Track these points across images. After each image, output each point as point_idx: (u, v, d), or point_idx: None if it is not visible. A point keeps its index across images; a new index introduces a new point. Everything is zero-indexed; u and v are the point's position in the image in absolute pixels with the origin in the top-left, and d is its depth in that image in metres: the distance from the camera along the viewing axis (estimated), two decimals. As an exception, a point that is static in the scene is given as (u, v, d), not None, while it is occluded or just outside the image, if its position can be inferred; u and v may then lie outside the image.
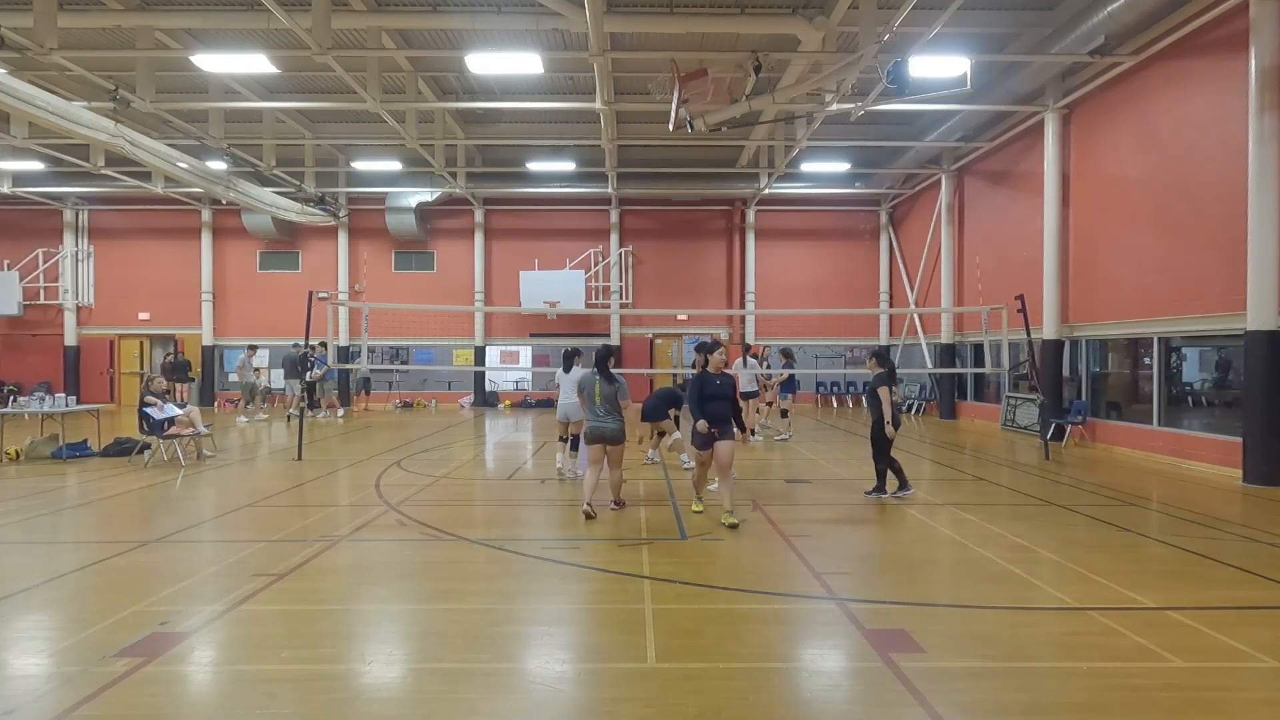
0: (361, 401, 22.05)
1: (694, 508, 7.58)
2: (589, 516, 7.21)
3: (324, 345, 19.47)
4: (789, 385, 14.68)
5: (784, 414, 14.44)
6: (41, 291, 23.36)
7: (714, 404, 7.06)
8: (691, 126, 11.75)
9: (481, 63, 12.89)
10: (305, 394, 13.53)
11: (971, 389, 18.69)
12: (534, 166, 20.09)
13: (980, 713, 3.41)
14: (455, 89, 16.51)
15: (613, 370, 7.54)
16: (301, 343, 17.38)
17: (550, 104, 16.33)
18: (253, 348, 19.18)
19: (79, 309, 23.46)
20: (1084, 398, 13.69)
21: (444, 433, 15.63)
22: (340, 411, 19.77)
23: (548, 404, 22.67)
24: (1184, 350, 11.80)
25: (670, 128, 11.89)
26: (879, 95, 12.56)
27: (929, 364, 19.70)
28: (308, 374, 17.86)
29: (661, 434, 10.46)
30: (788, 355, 14.98)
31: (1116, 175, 12.65)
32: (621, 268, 23.41)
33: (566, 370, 9.20)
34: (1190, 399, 11.80)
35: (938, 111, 15.94)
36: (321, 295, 14.39)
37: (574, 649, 4.17)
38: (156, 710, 3.44)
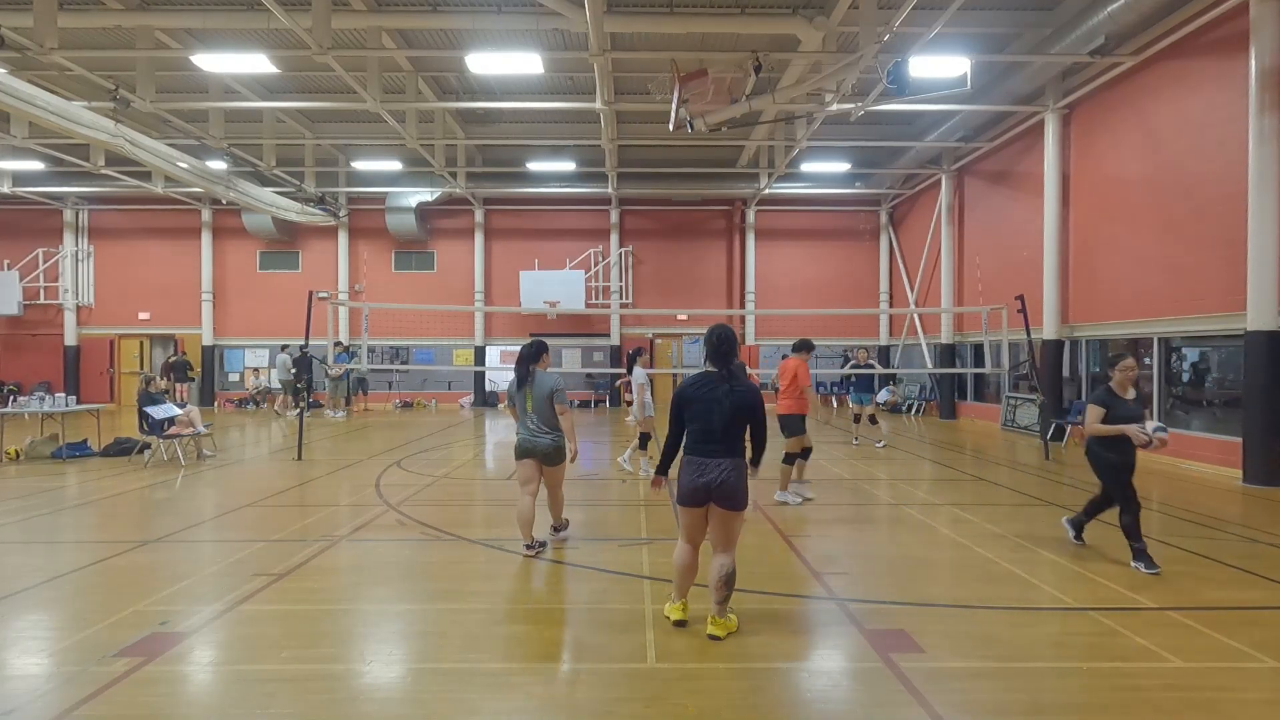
0: (360, 401, 22.05)
1: (668, 611, 4.51)
2: (534, 548, 5.91)
3: (339, 344, 19.95)
4: None
5: None
6: (41, 291, 23.36)
7: (713, 429, 4.26)
8: (691, 126, 11.75)
9: (481, 63, 12.89)
10: (305, 393, 13.51)
11: (971, 389, 18.69)
12: (534, 166, 20.08)
13: (980, 713, 3.41)
14: (455, 89, 16.51)
15: (552, 371, 6.09)
16: (342, 343, 17.63)
17: (550, 104, 16.31)
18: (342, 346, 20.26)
19: (79, 309, 23.46)
20: (1084, 398, 13.68)
21: (444, 433, 15.62)
22: (341, 412, 19.79)
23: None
24: (1184, 350, 11.79)
25: (670, 128, 11.88)
26: (879, 95, 12.55)
27: (929, 364, 19.70)
28: (328, 371, 18.36)
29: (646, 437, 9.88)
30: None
31: (1116, 175, 12.65)
32: (621, 268, 23.41)
33: (629, 372, 9.83)
34: (1190, 399, 11.79)
35: (938, 111, 15.94)
36: (321, 295, 14.39)
37: (574, 649, 4.17)
38: (156, 710, 3.44)
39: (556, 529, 6.42)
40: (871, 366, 13.80)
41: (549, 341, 6.40)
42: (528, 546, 5.94)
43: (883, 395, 21.56)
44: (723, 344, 4.42)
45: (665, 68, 12.30)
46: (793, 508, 7.86)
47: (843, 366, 14.00)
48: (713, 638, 4.23)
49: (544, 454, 5.86)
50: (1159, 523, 7.40)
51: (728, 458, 4.24)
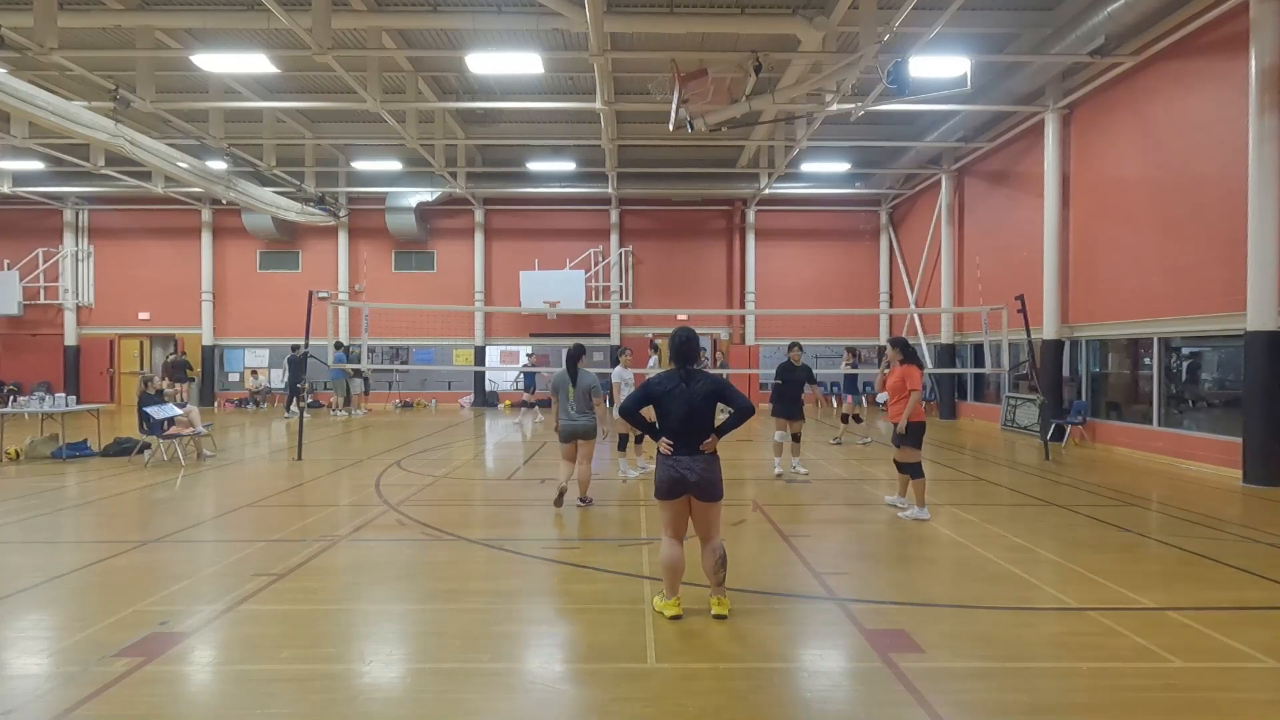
0: (360, 402, 22.05)
1: (662, 607, 4.59)
2: (577, 500, 7.77)
3: (340, 345, 20.16)
4: None
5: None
6: (41, 291, 23.36)
7: (678, 426, 4.51)
8: (691, 126, 11.74)
9: (481, 63, 12.89)
10: (303, 392, 13.50)
11: (971, 389, 18.69)
12: (534, 166, 20.08)
13: (980, 713, 3.41)
14: (455, 89, 16.51)
15: (585, 368, 7.76)
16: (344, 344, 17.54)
17: (550, 104, 16.31)
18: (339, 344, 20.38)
19: (79, 309, 23.46)
20: (1084, 398, 13.69)
21: (444, 433, 15.62)
22: (343, 411, 19.80)
23: (547, 404, 22.61)
24: (1184, 350, 11.80)
25: (670, 128, 11.88)
26: (879, 95, 12.55)
27: (929, 364, 19.69)
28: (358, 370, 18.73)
29: (634, 439, 9.82)
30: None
31: (1116, 175, 12.65)
32: (621, 268, 23.41)
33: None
34: (1190, 399, 11.80)
35: (938, 112, 15.94)
36: (321, 295, 14.39)
37: (574, 649, 4.17)
38: (156, 710, 3.44)
39: (583, 499, 7.78)
40: (855, 367, 14.14)
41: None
42: (574, 500, 7.76)
43: (882, 397, 21.58)
44: (684, 345, 4.68)
45: (665, 68, 12.28)
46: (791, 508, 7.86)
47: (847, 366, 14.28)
48: (719, 617, 4.49)
49: (582, 432, 7.61)
50: (1159, 522, 7.41)
51: (700, 455, 4.50)
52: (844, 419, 13.86)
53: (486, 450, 13.16)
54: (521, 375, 19.64)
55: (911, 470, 7.45)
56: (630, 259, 23.54)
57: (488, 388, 23.25)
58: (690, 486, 4.46)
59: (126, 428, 13.73)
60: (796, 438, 9.99)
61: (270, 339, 23.20)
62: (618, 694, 3.59)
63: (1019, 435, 14.95)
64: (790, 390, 9.91)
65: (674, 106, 11.43)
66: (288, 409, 18.99)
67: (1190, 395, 11.85)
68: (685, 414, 4.49)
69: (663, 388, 4.55)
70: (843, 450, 12.61)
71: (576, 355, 7.75)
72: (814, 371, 10.31)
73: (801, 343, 10.47)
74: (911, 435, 7.41)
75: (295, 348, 19.02)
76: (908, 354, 7.53)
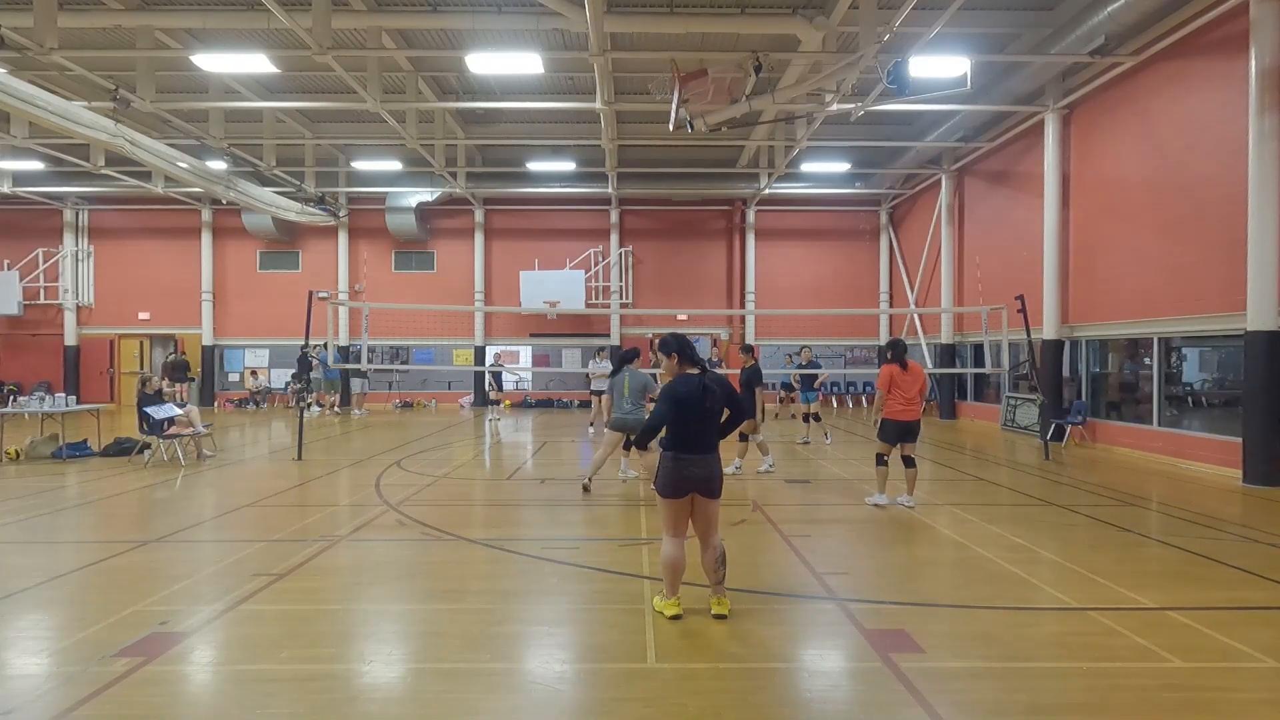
0: (361, 402, 22.03)
1: (662, 607, 4.61)
2: (587, 490, 8.46)
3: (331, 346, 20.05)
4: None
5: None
6: (41, 291, 23.36)
7: (699, 427, 4.54)
8: (691, 126, 11.74)
9: (481, 63, 12.89)
10: (304, 391, 13.51)
11: (971, 389, 18.69)
12: (534, 166, 20.08)
13: (980, 713, 3.41)
14: (455, 89, 16.51)
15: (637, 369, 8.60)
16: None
17: (550, 104, 16.32)
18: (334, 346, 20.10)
19: (79, 309, 23.46)
20: (1084, 398, 13.69)
21: (444, 433, 15.62)
22: (341, 411, 19.80)
23: (548, 404, 22.67)
24: (1184, 350, 11.80)
25: (670, 128, 11.88)
26: (879, 95, 12.55)
27: (929, 364, 19.69)
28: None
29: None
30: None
31: (1116, 175, 12.65)
32: (621, 268, 23.41)
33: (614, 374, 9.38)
34: (1190, 399, 11.81)
35: (938, 111, 15.94)
36: (321, 295, 14.38)
37: (574, 649, 4.17)
38: (156, 710, 3.44)
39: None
40: (816, 366, 14.00)
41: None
42: (589, 480, 8.66)
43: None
44: (687, 345, 4.72)
45: (665, 68, 12.28)
46: (793, 506, 7.87)
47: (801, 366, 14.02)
48: (719, 617, 4.50)
49: (633, 425, 8.24)
50: (1159, 522, 7.41)
51: (710, 453, 4.59)
52: (805, 418, 13.89)
53: (486, 450, 13.16)
54: (490, 375, 19.81)
55: (876, 458, 7.94)
56: (630, 259, 23.54)
57: (488, 388, 23.24)
58: (698, 484, 4.52)
59: (126, 428, 13.73)
60: (744, 437, 9.92)
61: (270, 339, 23.21)
62: (618, 694, 3.59)
63: (1019, 435, 14.95)
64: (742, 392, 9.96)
65: (674, 106, 11.43)
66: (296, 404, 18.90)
67: (1190, 395, 11.84)
68: (711, 411, 4.57)
69: (693, 394, 4.49)
70: (803, 449, 12.62)
71: (629, 358, 8.60)
72: (763, 373, 10.32)
73: (752, 344, 10.54)
74: (881, 430, 7.84)
75: (303, 347, 19.03)
76: (894, 355, 7.77)
